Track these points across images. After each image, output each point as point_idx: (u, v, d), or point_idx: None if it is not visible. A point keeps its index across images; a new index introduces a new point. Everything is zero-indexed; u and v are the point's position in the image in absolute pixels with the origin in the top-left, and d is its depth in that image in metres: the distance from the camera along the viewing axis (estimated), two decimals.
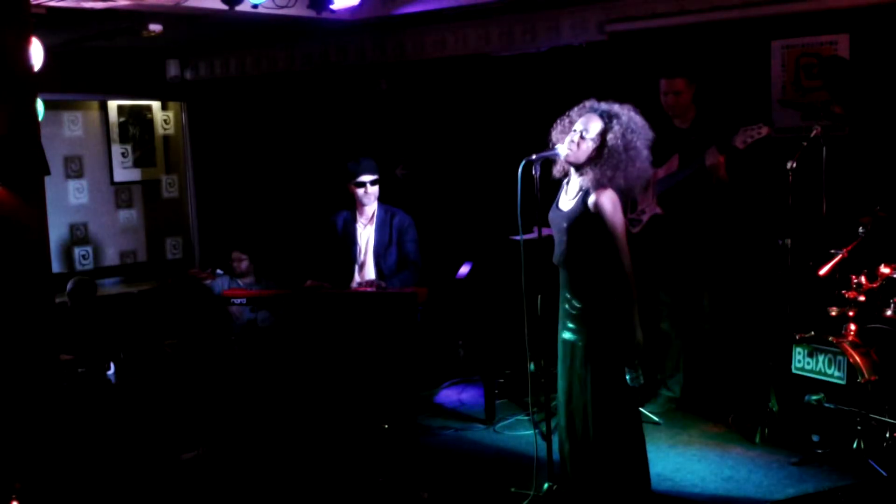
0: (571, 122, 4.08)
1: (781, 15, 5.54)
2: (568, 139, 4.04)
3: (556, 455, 4.32)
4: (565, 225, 4.07)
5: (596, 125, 3.98)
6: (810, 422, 4.76)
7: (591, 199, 3.96)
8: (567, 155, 4.04)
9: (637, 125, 3.99)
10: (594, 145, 3.98)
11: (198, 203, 8.77)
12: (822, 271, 4.83)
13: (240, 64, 7.93)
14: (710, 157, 5.21)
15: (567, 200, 4.12)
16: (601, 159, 3.95)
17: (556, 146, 4.10)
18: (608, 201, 3.96)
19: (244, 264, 7.01)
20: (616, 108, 4.02)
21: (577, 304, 4.07)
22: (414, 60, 7.10)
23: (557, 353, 4.22)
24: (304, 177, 8.02)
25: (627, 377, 4.06)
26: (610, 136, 3.94)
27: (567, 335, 4.13)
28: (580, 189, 4.05)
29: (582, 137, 3.99)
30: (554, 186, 4.28)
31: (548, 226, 4.32)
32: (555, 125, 4.17)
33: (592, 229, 3.98)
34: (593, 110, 4.04)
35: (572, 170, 4.11)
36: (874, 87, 5.39)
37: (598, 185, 3.95)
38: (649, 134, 4.02)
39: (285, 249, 7.52)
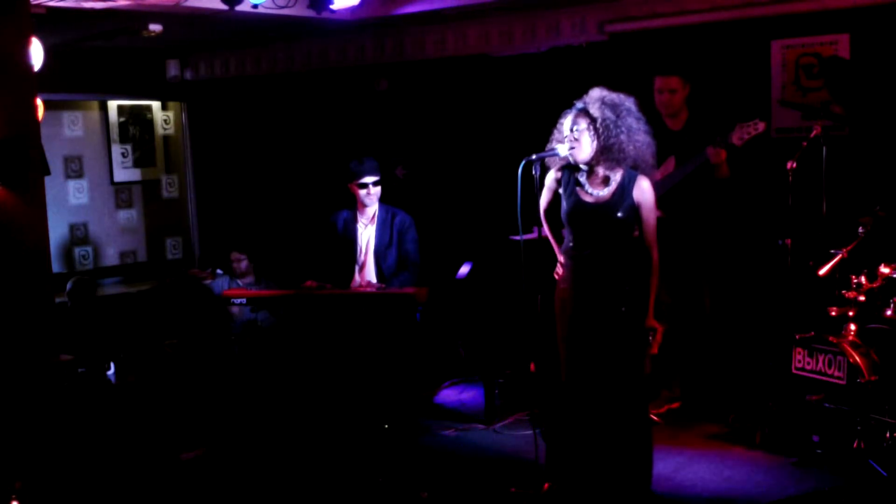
0: (560, 141, 4.15)
1: (781, 15, 5.54)
2: (567, 144, 4.09)
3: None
4: (601, 214, 4.09)
5: (580, 116, 4.09)
6: (810, 422, 4.76)
7: (636, 189, 4.06)
8: (575, 157, 4.10)
9: (612, 93, 4.11)
10: (589, 131, 4.05)
11: (198, 203, 8.77)
12: (822, 271, 4.83)
13: (240, 64, 7.93)
14: (713, 152, 5.21)
15: (592, 193, 4.13)
16: (602, 136, 4.02)
17: (555, 147, 4.13)
18: (651, 190, 4.09)
19: (243, 264, 7.01)
20: (584, 96, 4.15)
21: (602, 293, 4.10)
22: (414, 60, 7.10)
23: (560, 346, 4.24)
24: (304, 177, 8.02)
25: None
26: (595, 112, 4.04)
27: (587, 323, 4.14)
28: (611, 180, 4.10)
29: (575, 133, 4.05)
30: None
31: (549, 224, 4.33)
32: (549, 144, 4.24)
33: (632, 217, 4.08)
34: (570, 112, 4.14)
35: (582, 165, 4.15)
36: (874, 87, 5.40)
37: (620, 158, 4.03)
38: (630, 99, 4.11)
39: (285, 249, 7.52)
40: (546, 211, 4.37)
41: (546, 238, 4.44)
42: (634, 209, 4.09)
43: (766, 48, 5.80)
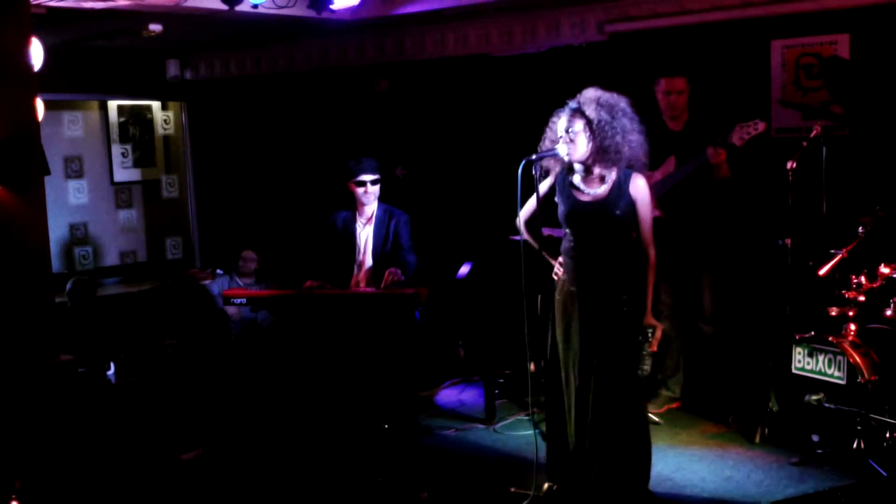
0: (553, 141, 4.15)
1: (781, 15, 5.54)
2: (562, 145, 4.09)
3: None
4: (599, 212, 4.10)
5: (574, 117, 4.09)
6: (810, 422, 4.76)
7: (632, 186, 4.09)
8: (570, 157, 4.10)
9: (606, 94, 4.10)
10: (585, 132, 4.05)
11: (198, 203, 8.77)
12: (822, 271, 4.83)
13: (240, 64, 7.93)
14: (713, 152, 5.21)
15: (588, 192, 4.14)
16: (598, 137, 4.02)
17: (555, 147, 4.13)
18: (647, 188, 4.12)
19: (252, 264, 7.05)
20: (578, 96, 4.15)
21: (603, 291, 4.10)
22: (414, 60, 7.11)
23: (560, 346, 4.24)
24: (305, 177, 8.02)
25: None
26: (590, 113, 4.04)
27: (587, 322, 4.14)
28: (607, 178, 4.11)
29: (570, 135, 4.05)
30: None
31: (548, 225, 4.33)
32: (541, 143, 4.24)
33: (629, 215, 4.10)
34: (563, 112, 4.14)
35: (577, 166, 4.15)
36: (874, 87, 5.40)
37: (615, 159, 4.04)
38: (624, 99, 4.11)
39: (285, 249, 7.52)
40: (527, 221, 4.34)
41: (546, 238, 4.43)
42: (632, 206, 4.10)
43: (766, 48, 5.80)
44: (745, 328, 5.75)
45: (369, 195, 5.50)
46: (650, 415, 5.38)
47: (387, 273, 5.30)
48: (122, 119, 8.41)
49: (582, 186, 4.16)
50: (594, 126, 4.02)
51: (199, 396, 5.83)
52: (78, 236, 8.22)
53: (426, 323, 5.62)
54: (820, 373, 4.75)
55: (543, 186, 4.28)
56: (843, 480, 4.47)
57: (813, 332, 4.82)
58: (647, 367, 4.12)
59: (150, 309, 7.65)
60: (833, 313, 4.78)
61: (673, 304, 5.54)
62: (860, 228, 4.82)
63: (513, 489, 4.52)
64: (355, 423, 5.36)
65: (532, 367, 5.21)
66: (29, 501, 4.08)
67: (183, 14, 5.76)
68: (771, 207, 5.42)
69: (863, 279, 4.74)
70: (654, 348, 4.13)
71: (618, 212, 4.07)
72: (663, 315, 5.52)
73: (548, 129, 4.21)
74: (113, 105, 8.34)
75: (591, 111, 4.04)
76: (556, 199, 4.25)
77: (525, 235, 4.33)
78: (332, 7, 5.69)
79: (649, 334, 4.11)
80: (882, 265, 4.72)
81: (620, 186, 4.10)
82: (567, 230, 4.22)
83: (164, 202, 8.78)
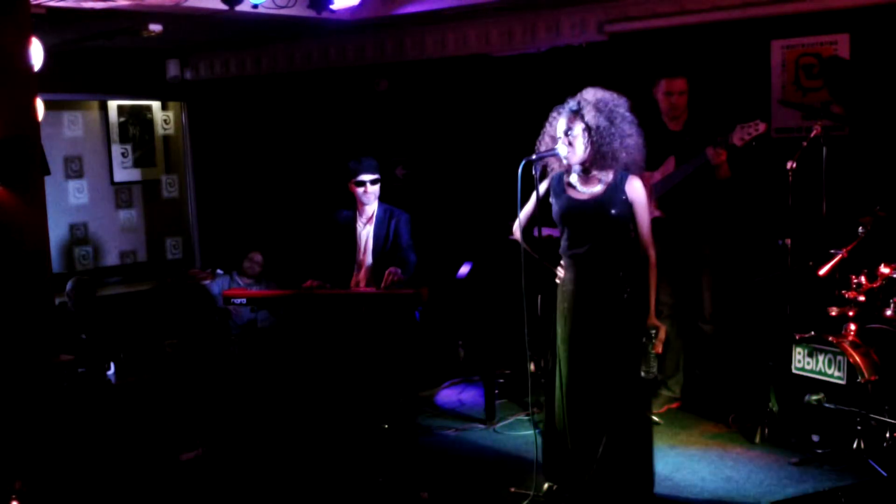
0: (553, 138, 4.15)
1: (781, 15, 5.54)
2: (562, 145, 4.09)
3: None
4: (595, 212, 4.09)
5: (574, 120, 4.07)
6: (810, 422, 4.76)
7: (629, 187, 4.08)
8: (568, 159, 4.10)
9: (606, 96, 4.09)
10: (584, 136, 4.04)
11: (198, 203, 8.77)
12: (822, 271, 4.83)
13: (240, 64, 7.93)
14: (713, 153, 5.21)
15: (583, 191, 4.14)
16: (596, 143, 4.02)
17: (555, 146, 4.12)
18: (643, 189, 4.11)
19: (259, 268, 7.06)
20: (578, 96, 4.14)
21: (602, 290, 4.10)
22: (414, 60, 7.10)
23: (560, 347, 4.23)
24: (305, 177, 8.02)
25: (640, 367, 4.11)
26: (590, 119, 4.03)
27: (587, 321, 4.13)
28: (603, 180, 4.11)
29: (569, 137, 4.05)
30: None
31: (547, 225, 4.33)
32: (538, 144, 4.23)
33: (626, 216, 4.10)
34: (563, 112, 4.13)
35: (575, 166, 4.15)
36: (874, 87, 5.40)
37: (612, 164, 4.04)
38: (623, 102, 4.10)
39: (285, 249, 7.52)
40: (524, 230, 4.31)
41: (546, 238, 4.44)
42: (628, 207, 4.09)
43: (766, 48, 5.80)
44: (745, 328, 5.75)
45: (369, 195, 5.50)
46: (650, 415, 5.40)
47: (387, 273, 5.30)
48: (122, 119, 8.40)
49: (578, 186, 4.16)
50: (592, 133, 4.02)
51: (199, 396, 5.83)
52: (78, 236, 8.21)
53: (426, 323, 5.62)
54: (820, 373, 4.75)
55: (541, 188, 4.28)
56: (843, 480, 4.47)
57: (813, 332, 4.82)
58: (653, 369, 4.11)
59: (150, 309, 7.65)
60: (833, 313, 4.78)
61: (673, 304, 5.54)
62: (860, 228, 4.82)
63: (513, 489, 4.52)
64: (355, 423, 5.36)
65: (532, 367, 5.22)
66: (29, 501, 4.08)
67: (183, 14, 5.76)
68: (771, 207, 5.42)
69: (863, 279, 4.74)
70: (659, 349, 4.12)
71: (613, 211, 4.07)
72: (663, 315, 5.52)
73: (547, 125, 4.20)
74: (113, 105, 8.33)
75: (590, 117, 4.02)
76: (550, 199, 4.25)
77: (523, 245, 4.29)
78: (332, 7, 5.69)
79: (653, 335, 4.10)
80: (882, 265, 4.72)
81: (616, 187, 4.09)
82: (563, 230, 4.21)
83: (164, 202, 8.78)
